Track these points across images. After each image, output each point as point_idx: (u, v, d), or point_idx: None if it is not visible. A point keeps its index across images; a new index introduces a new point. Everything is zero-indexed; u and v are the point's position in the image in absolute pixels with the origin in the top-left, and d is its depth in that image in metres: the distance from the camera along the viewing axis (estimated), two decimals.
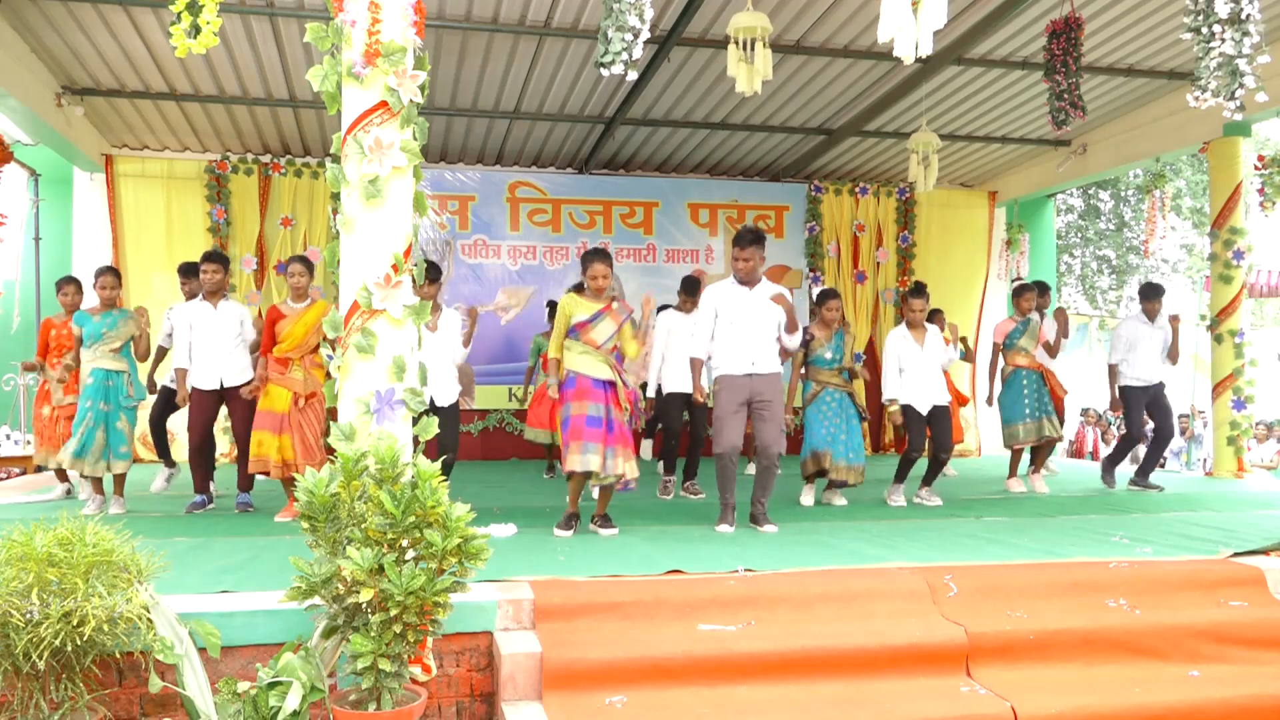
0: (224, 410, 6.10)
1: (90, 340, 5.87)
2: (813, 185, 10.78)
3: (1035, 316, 7.28)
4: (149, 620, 2.99)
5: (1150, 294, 7.44)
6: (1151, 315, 7.35)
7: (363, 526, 3.01)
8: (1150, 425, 7.61)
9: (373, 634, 2.91)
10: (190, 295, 6.46)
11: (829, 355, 6.29)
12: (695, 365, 5.38)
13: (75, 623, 2.79)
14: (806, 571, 4.07)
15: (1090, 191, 17.99)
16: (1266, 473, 10.30)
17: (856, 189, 10.88)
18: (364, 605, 2.97)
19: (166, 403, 6.85)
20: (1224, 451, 8.33)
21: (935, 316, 7.65)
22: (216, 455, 7.08)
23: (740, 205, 10.67)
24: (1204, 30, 4.69)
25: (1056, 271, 13.84)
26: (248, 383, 5.88)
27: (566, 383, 5.03)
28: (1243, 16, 4.59)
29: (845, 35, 7.37)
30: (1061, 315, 7.59)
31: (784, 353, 5.48)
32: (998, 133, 9.68)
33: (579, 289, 5.13)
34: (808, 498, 6.38)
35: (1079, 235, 18.76)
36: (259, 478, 6.09)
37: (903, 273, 10.94)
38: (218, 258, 6.06)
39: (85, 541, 2.96)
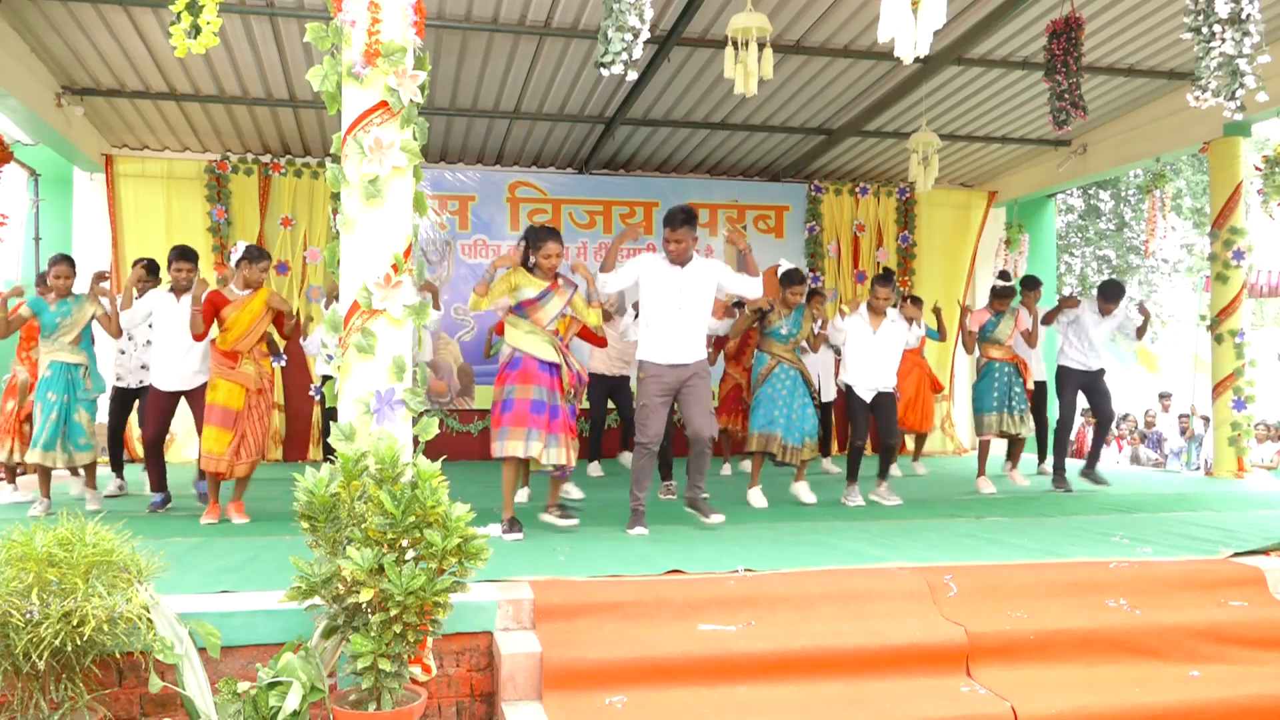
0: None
1: (48, 331, 5.79)
2: (813, 185, 10.78)
3: (1014, 306, 7.24)
4: (149, 620, 2.99)
5: (1109, 294, 7.27)
6: (1105, 312, 7.29)
7: (363, 526, 3.01)
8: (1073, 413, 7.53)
9: (373, 634, 2.91)
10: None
11: (784, 330, 6.19)
12: (599, 273, 5.18)
13: (75, 623, 2.79)
14: (806, 571, 4.06)
15: (1090, 191, 17.98)
16: (1266, 473, 10.30)
17: (856, 189, 10.88)
18: (364, 605, 2.97)
19: (121, 406, 6.67)
20: (1224, 451, 8.33)
21: (915, 304, 7.67)
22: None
23: (740, 205, 10.66)
24: (1204, 30, 4.69)
25: (1056, 271, 13.84)
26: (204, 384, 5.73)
27: (511, 363, 4.90)
28: (1243, 16, 4.59)
29: (845, 35, 7.37)
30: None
31: (750, 302, 5.45)
32: (998, 133, 9.68)
33: (528, 266, 5.01)
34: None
35: (1079, 235, 18.75)
36: None
37: (903, 272, 10.93)
38: (187, 254, 5.90)
39: (85, 541, 2.96)
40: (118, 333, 5.99)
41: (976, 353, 7.26)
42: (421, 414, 3.58)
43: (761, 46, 5.82)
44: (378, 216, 3.52)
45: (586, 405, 7.18)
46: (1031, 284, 7.83)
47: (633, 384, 6.68)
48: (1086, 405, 7.65)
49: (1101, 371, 7.31)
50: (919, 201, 11.00)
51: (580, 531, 5.08)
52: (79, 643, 2.80)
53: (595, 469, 8.06)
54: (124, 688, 3.23)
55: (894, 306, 6.56)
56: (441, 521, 2.99)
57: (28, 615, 2.77)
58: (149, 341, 6.22)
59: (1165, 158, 9.40)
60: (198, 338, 5.56)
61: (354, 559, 2.88)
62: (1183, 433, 13.57)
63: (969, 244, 11.24)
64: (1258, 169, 7.80)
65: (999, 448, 7.70)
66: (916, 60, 4.75)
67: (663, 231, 5.12)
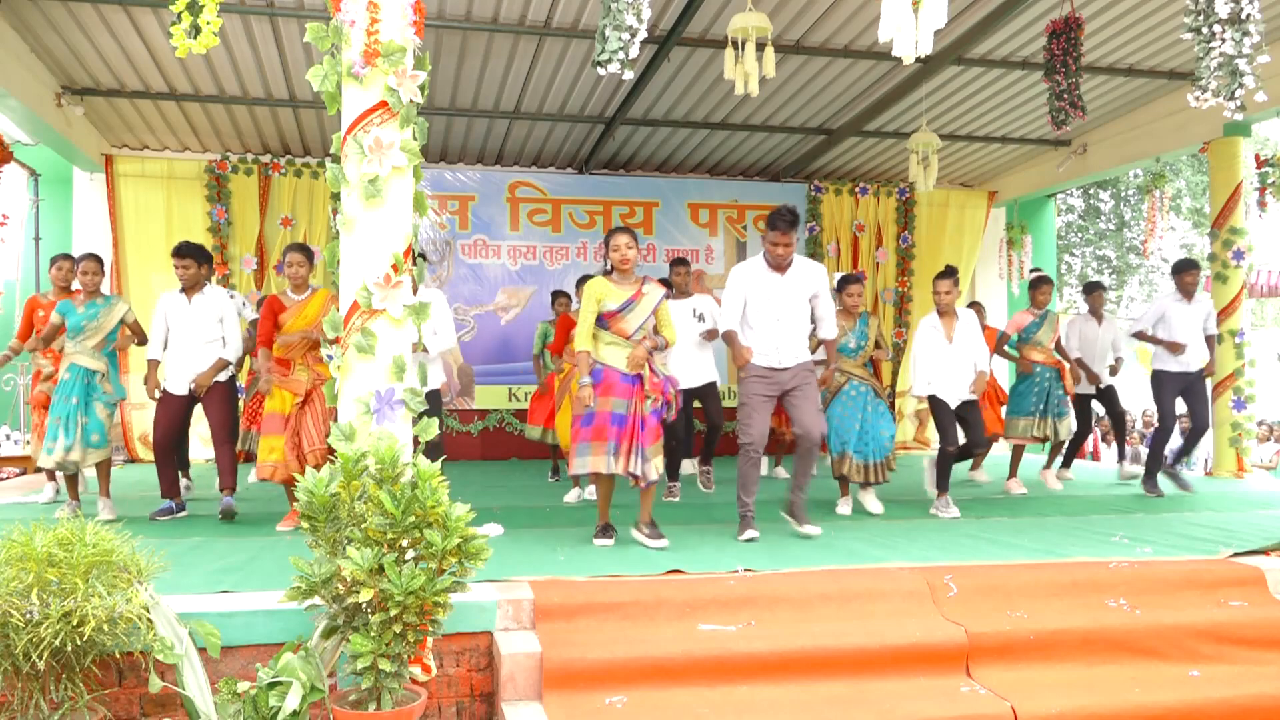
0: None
1: (73, 333, 5.60)
2: (813, 185, 10.78)
3: (1053, 310, 7.08)
4: (149, 620, 2.99)
5: (1183, 267, 6.87)
6: (1188, 291, 6.81)
7: (363, 526, 3.01)
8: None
9: (373, 634, 2.91)
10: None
11: (852, 344, 5.89)
12: (729, 338, 4.97)
13: (75, 623, 2.79)
14: (806, 571, 4.07)
15: (1090, 191, 17.99)
16: (1266, 473, 10.29)
17: (856, 189, 10.89)
18: (364, 605, 2.97)
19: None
20: (1224, 451, 8.33)
21: (974, 307, 7.48)
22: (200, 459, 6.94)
23: (740, 205, 10.67)
24: (1204, 30, 4.69)
25: (1057, 271, 13.83)
26: (219, 384, 5.61)
27: (592, 375, 4.62)
28: (1243, 16, 4.59)
29: (845, 35, 7.37)
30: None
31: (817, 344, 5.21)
32: (998, 133, 9.68)
33: (607, 272, 4.80)
34: (844, 507, 5.93)
35: (1079, 235, 18.76)
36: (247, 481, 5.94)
37: (902, 273, 10.95)
38: (188, 252, 5.65)
39: (85, 541, 2.96)
40: (143, 339, 5.81)
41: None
42: (421, 414, 3.58)
43: (761, 46, 5.82)
44: (378, 216, 3.52)
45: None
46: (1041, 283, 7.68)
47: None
48: (1103, 412, 7.44)
49: (1201, 374, 6.90)
50: (919, 201, 11.00)
51: (581, 532, 5.09)
52: (79, 643, 2.80)
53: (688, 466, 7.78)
54: (124, 688, 3.23)
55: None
56: (441, 521, 2.99)
57: (28, 615, 2.77)
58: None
59: (1165, 158, 9.40)
60: (262, 344, 5.35)
61: (354, 559, 2.88)
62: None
63: (969, 244, 11.24)
64: (1258, 164, 7.79)
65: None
66: (916, 60, 4.74)
67: (767, 233, 4.87)
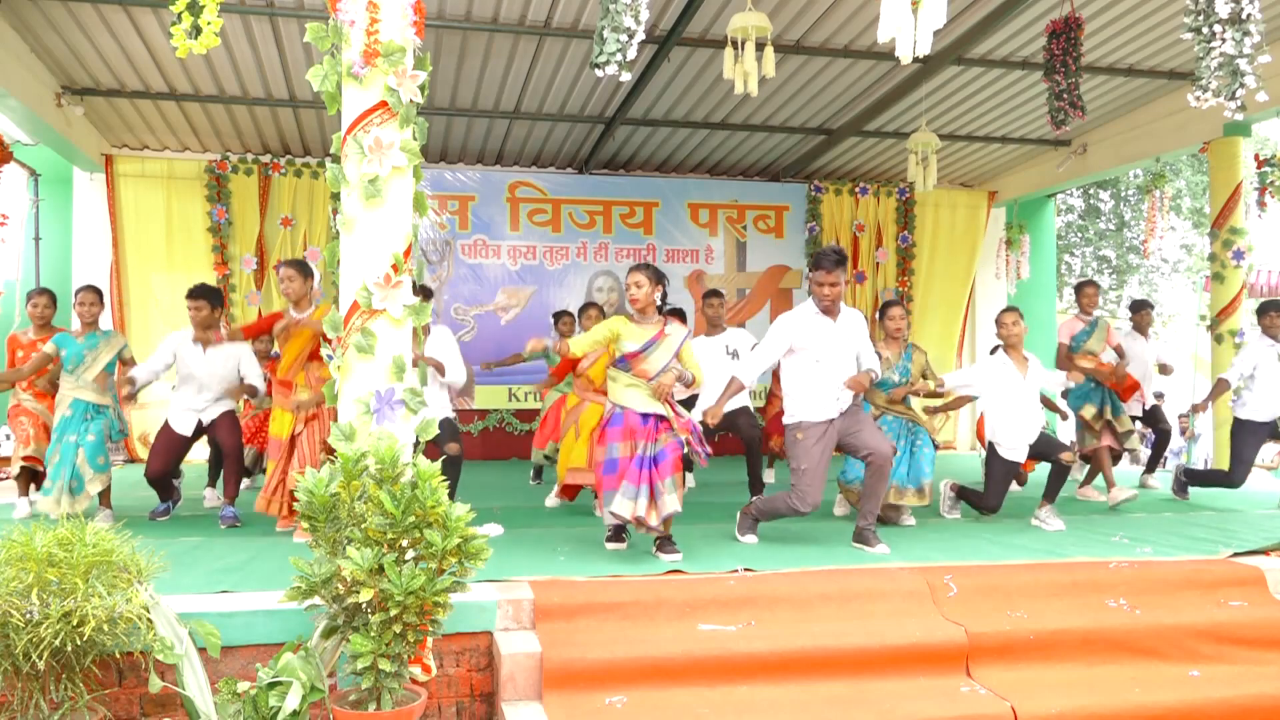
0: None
1: (71, 365, 5.47)
2: (813, 185, 10.78)
3: (1104, 316, 6.86)
4: (149, 620, 2.99)
5: (1267, 308, 6.42)
6: (1274, 334, 6.33)
7: (363, 526, 3.01)
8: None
9: (373, 634, 2.91)
10: None
11: (896, 377, 5.45)
12: (734, 387, 4.74)
13: (75, 623, 2.79)
14: (806, 571, 4.07)
15: (1090, 191, 17.97)
16: (1266, 473, 10.29)
17: (856, 189, 10.88)
18: (364, 605, 2.97)
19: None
20: (1224, 451, 8.30)
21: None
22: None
23: (740, 205, 10.67)
24: (1204, 30, 4.69)
25: (1057, 271, 13.84)
26: (228, 414, 5.59)
27: (612, 420, 4.45)
28: (1243, 16, 4.59)
29: (845, 35, 7.37)
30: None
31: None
32: (998, 133, 9.67)
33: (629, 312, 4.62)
34: (841, 507, 5.82)
35: (1079, 235, 18.75)
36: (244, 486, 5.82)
37: (902, 273, 10.94)
38: (201, 294, 5.53)
39: (85, 542, 2.96)
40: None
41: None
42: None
43: (761, 46, 5.82)
44: (378, 216, 3.52)
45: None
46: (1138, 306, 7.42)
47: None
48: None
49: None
50: (919, 201, 10.99)
51: (581, 532, 5.09)
52: (79, 643, 2.80)
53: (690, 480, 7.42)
54: (124, 688, 3.24)
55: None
56: (441, 521, 2.99)
57: (28, 615, 2.77)
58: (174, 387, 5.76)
59: (1165, 158, 9.40)
60: (245, 329, 5.53)
61: (354, 559, 2.88)
62: (1182, 432, 13.57)
63: (969, 244, 11.24)
64: (1258, 164, 7.78)
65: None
66: (916, 60, 4.74)
67: (812, 274, 4.62)
